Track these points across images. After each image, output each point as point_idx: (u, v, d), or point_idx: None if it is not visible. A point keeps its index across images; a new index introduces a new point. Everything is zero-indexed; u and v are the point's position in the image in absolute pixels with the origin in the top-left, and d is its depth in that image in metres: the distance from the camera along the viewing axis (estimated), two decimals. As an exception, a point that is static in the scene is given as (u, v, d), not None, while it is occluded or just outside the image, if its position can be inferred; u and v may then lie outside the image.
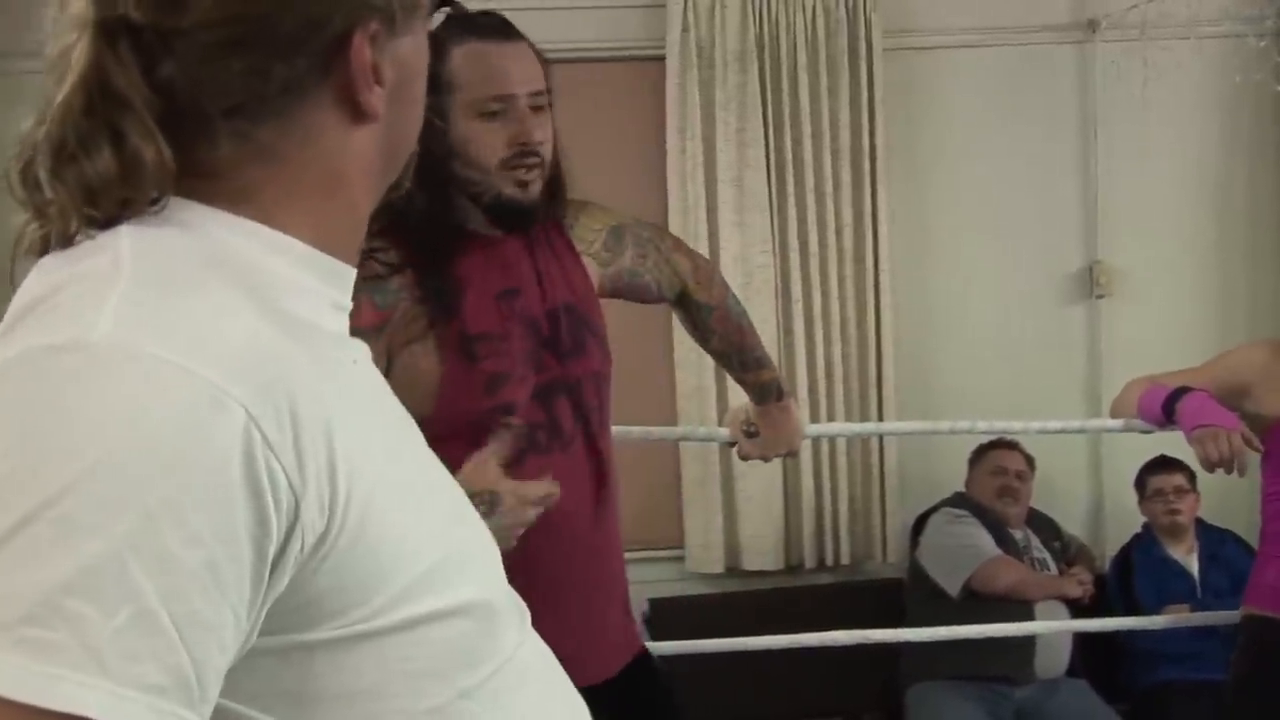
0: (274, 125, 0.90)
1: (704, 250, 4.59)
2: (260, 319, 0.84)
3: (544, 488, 1.83)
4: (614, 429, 3.32)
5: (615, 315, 4.56)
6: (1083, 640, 4.21)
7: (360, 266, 1.84)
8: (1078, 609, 4.21)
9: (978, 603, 4.07)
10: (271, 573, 0.80)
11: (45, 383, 0.77)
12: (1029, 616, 4.03)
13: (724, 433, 4.23)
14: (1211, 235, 4.89)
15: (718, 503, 4.65)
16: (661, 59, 4.57)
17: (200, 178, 0.89)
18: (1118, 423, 2.96)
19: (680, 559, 4.76)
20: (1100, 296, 4.84)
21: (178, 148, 0.87)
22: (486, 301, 2.00)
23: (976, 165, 4.72)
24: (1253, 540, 3.26)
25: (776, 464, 4.62)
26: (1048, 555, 4.39)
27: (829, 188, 4.61)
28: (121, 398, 0.77)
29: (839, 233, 4.63)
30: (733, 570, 4.70)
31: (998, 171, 4.71)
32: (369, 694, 0.87)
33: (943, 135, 4.72)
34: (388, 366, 1.89)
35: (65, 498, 0.74)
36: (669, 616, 4.52)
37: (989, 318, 4.79)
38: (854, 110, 4.60)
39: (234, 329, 0.82)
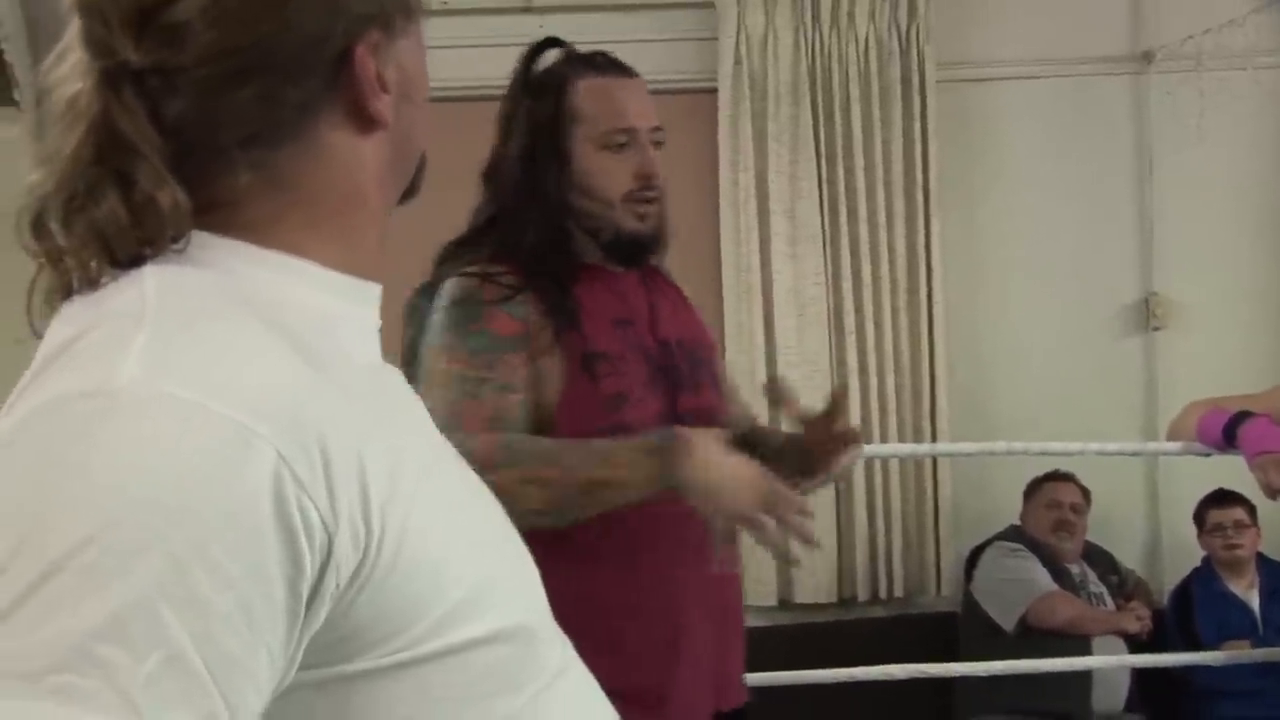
0: (291, 149, 0.90)
1: (757, 281, 4.60)
2: (288, 355, 0.84)
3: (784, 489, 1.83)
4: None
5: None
6: (1141, 676, 4.16)
7: (485, 288, 1.91)
8: (1136, 644, 4.16)
9: (1034, 638, 4.04)
10: (308, 609, 0.80)
11: (72, 429, 0.77)
12: (1086, 651, 3.99)
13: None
14: (1268, 267, 4.84)
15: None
16: (714, 91, 4.59)
17: (220, 210, 0.89)
18: (1175, 445, 2.94)
19: (734, 591, 4.74)
20: (1157, 329, 4.80)
21: (196, 184, 0.87)
22: (604, 325, 2.00)
23: (1030, 196, 4.70)
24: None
25: (827, 496, 4.61)
26: (1104, 590, 4.35)
27: (882, 219, 4.60)
28: (148, 442, 0.76)
29: (892, 264, 4.62)
30: (785, 603, 4.68)
31: (1052, 203, 4.69)
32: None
33: (996, 167, 4.71)
34: (529, 377, 1.93)
35: (91, 545, 0.73)
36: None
37: (1043, 350, 4.76)
38: (907, 142, 4.60)
39: (261, 368, 0.82)
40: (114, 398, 0.78)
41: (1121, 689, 4.08)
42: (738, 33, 4.58)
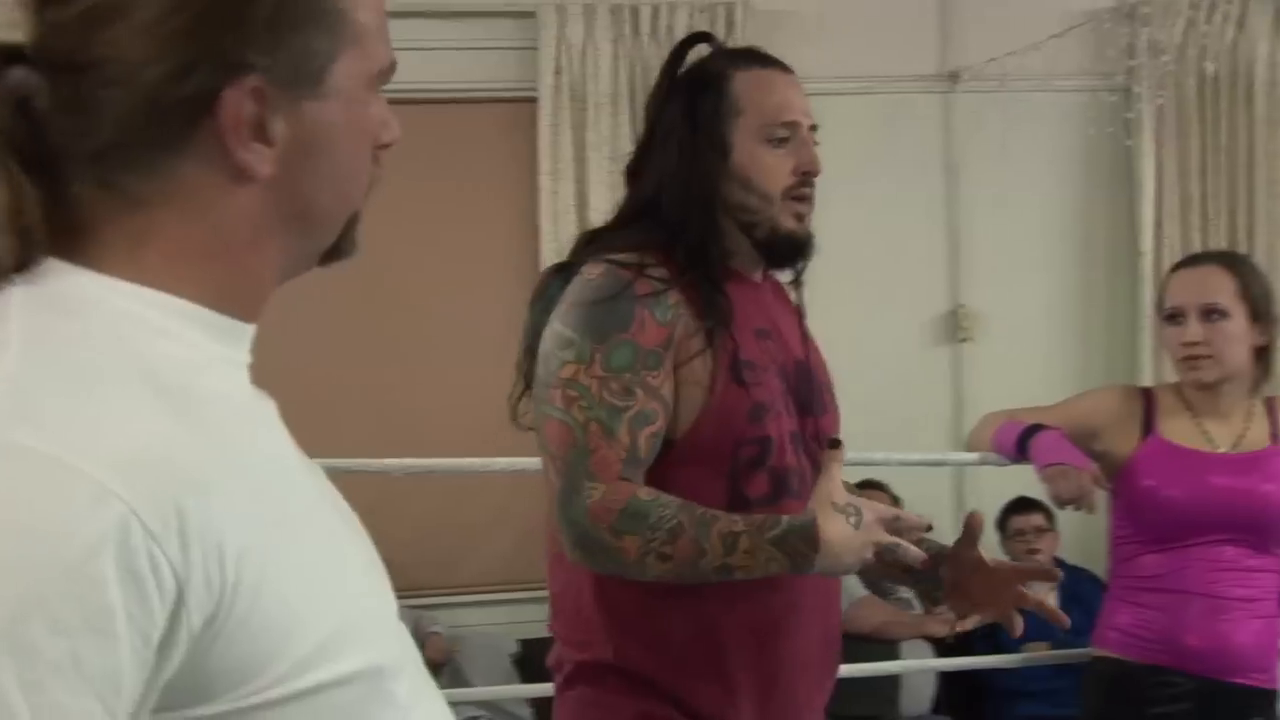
0: (140, 175, 0.89)
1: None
2: (151, 407, 0.83)
3: (896, 512, 1.77)
4: (467, 460, 3.31)
5: (473, 343, 4.53)
6: (946, 678, 4.28)
7: (637, 282, 1.79)
8: (943, 647, 4.27)
9: (844, 642, 4.11)
10: (160, 655, 0.80)
11: None
12: (894, 655, 4.08)
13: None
14: (1068, 281, 5.04)
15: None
16: (534, 100, 4.60)
17: (83, 236, 0.88)
18: (974, 455, 3.02)
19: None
20: (964, 340, 4.95)
21: (54, 193, 0.86)
22: (749, 332, 1.91)
23: (844, 210, 4.78)
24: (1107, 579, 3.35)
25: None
26: (913, 595, 4.46)
27: (699, 230, 4.65)
28: None
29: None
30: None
31: (865, 216, 4.80)
32: None
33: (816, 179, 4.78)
34: (670, 389, 1.82)
35: None
36: (540, 657, 4.47)
37: (856, 361, 4.82)
38: (724, 154, 4.65)
39: (123, 423, 0.81)
40: None
41: (928, 692, 4.19)
42: (558, 43, 4.59)
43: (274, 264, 0.96)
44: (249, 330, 0.96)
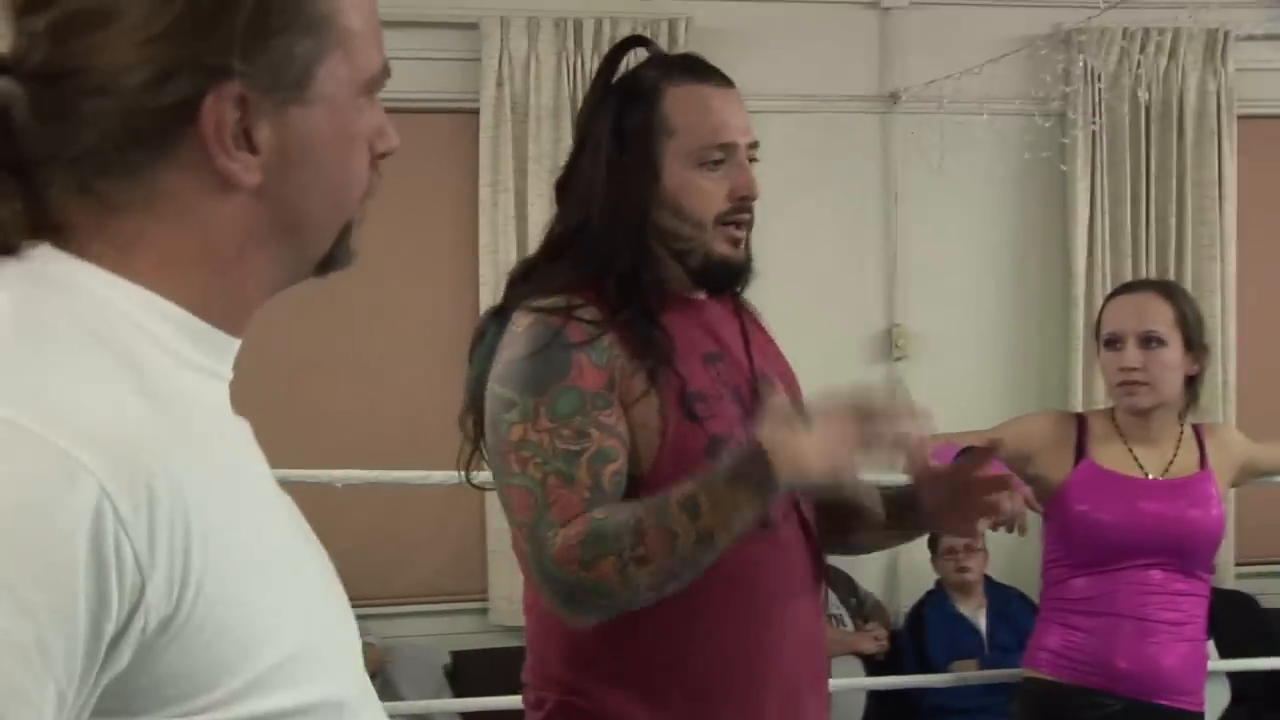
0: (119, 182, 0.87)
1: (514, 303, 4.60)
2: (129, 391, 0.82)
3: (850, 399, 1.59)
4: (407, 473, 3.28)
5: (412, 355, 4.50)
6: (876, 696, 4.30)
7: (568, 328, 1.70)
8: (872, 664, 4.30)
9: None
10: (109, 651, 0.78)
11: None
12: (825, 671, 4.10)
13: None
14: (1002, 303, 5.10)
15: (522, 556, 4.63)
16: (476, 112, 4.59)
17: (74, 232, 0.87)
18: (909, 479, 3.03)
19: (484, 611, 4.73)
20: (899, 358, 4.99)
21: (35, 197, 0.86)
22: (696, 361, 1.79)
23: (782, 228, 4.82)
24: (1037, 598, 3.38)
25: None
26: (844, 611, 4.48)
27: (639, 245, 4.66)
28: None
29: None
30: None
31: (803, 235, 4.83)
32: None
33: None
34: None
35: None
36: (472, 670, 4.48)
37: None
38: (665, 170, 4.67)
39: (99, 400, 0.80)
40: None
41: (858, 709, 4.21)
42: (501, 54, 4.59)
43: (263, 275, 0.95)
44: (234, 344, 0.94)
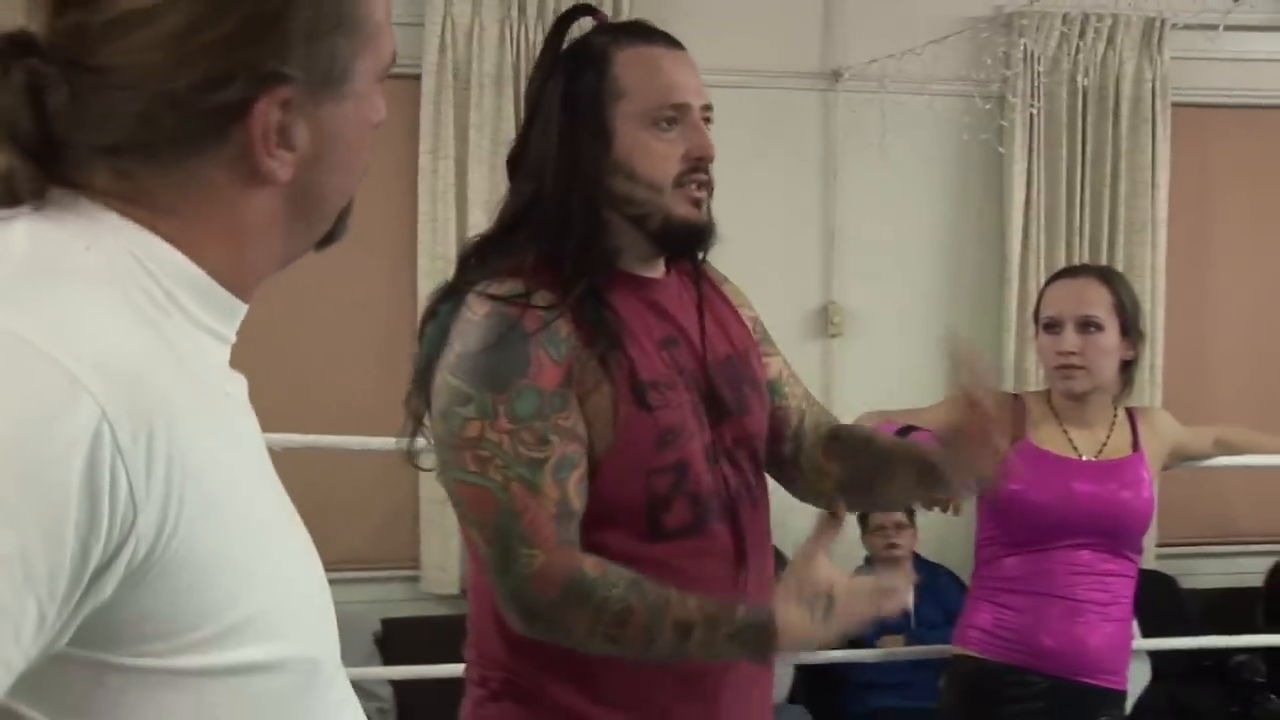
0: (158, 171, 0.89)
1: (452, 270, 4.58)
2: (139, 327, 0.84)
3: (871, 583, 1.61)
4: (347, 439, 3.26)
5: (350, 322, 4.45)
6: (803, 669, 4.34)
7: (525, 318, 1.66)
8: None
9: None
10: (94, 578, 0.78)
11: None
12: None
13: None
14: (938, 283, 5.14)
15: (454, 523, 4.61)
16: (418, 78, 4.55)
17: (104, 193, 0.89)
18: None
19: (415, 579, 4.72)
20: (834, 336, 5.02)
21: (62, 170, 0.87)
22: (649, 346, 1.76)
23: (721, 203, 4.82)
24: (964, 576, 3.42)
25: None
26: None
27: (579, 215, 4.65)
28: None
29: (586, 261, 4.67)
30: (468, 591, 4.67)
31: (743, 210, 4.82)
32: None
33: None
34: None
35: None
36: (403, 638, 4.48)
37: (728, 351, 4.90)
38: (606, 141, 4.66)
39: (109, 330, 0.81)
40: None
41: (785, 681, 4.25)
42: (444, 20, 4.56)
43: (276, 253, 0.98)
44: (241, 309, 0.96)
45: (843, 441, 2.01)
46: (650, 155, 1.75)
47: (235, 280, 0.94)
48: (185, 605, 0.83)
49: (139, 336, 0.83)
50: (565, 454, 1.67)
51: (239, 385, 0.97)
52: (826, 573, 1.59)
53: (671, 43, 1.81)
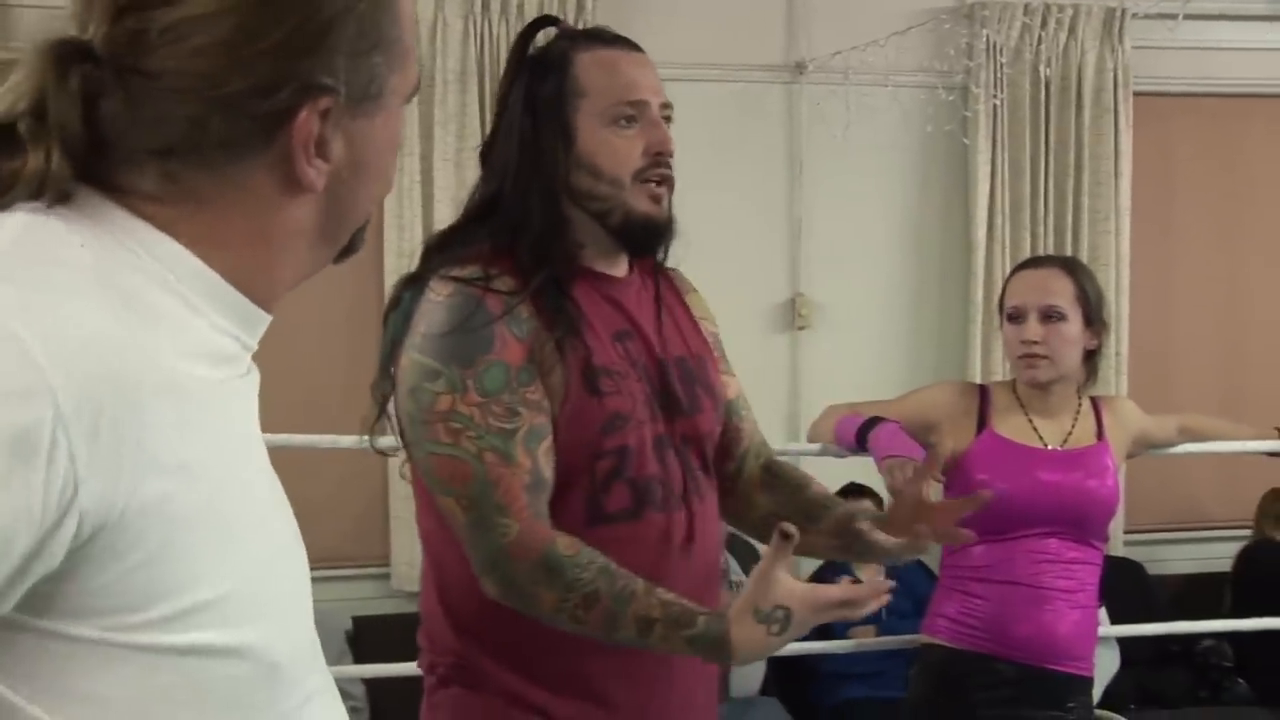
0: (207, 175, 0.92)
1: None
2: (120, 312, 0.86)
3: (840, 592, 1.66)
4: (315, 437, 3.25)
5: (316, 320, 4.42)
6: (775, 661, 4.35)
7: (487, 299, 1.72)
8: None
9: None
10: (41, 543, 0.80)
11: None
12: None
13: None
14: (903, 274, 5.16)
15: (424, 522, 4.61)
16: (381, 74, 4.53)
17: (128, 196, 0.91)
18: (815, 447, 3.07)
19: (386, 576, 4.71)
20: (801, 328, 5.03)
21: (104, 172, 0.90)
22: (605, 338, 1.82)
23: (686, 196, 4.82)
24: (933, 565, 3.44)
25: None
26: (744, 579, 4.52)
27: (545, 211, 4.65)
28: None
29: (553, 256, 4.67)
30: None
31: (708, 204, 4.81)
32: (127, 707, 0.87)
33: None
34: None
35: None
36: (373, 635, 4.46)
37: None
38: (572, 136, 4.66)
39: (78, 309, 0.83)
40: None
41: (757, 674, 4.26)
42: (406, 16, 4.54)
43: (301, 264, 1.01)
44: (264, 319, 0.99)
45: (778, 480, 2.09)
46: (611, 151, 1.82)
47: (258, 286, 0.97)
48: (135, 584, 0.85)
49: (112, 322, 0.85)
50: (533, 425, 1.73)
51: (251, 381, 1.00)
52: (784, 587, 1.63)
53: (630, 46, 1.88)
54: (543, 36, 1.93)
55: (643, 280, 1.94)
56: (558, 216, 1.81)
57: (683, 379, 1.90)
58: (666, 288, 1.99)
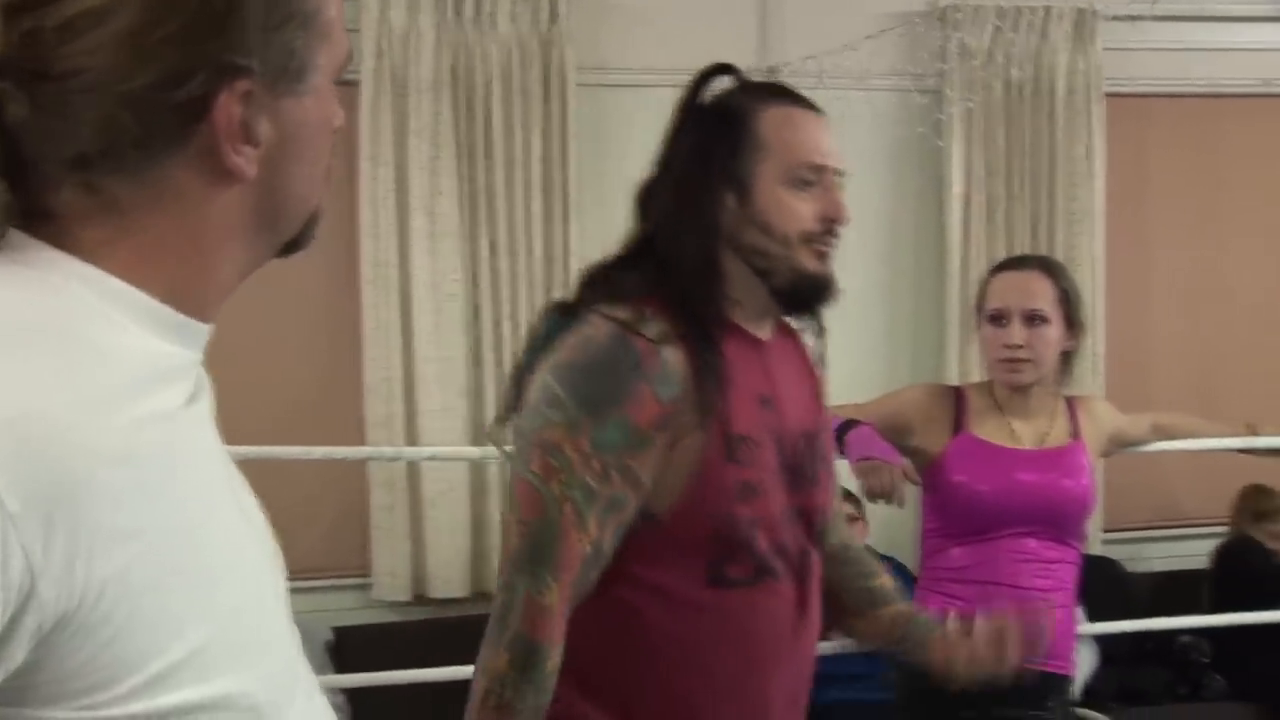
0: (128, 180, 0.88)
1: (395, 276, 4.57)
2: (63, 381, 0.81)
3: None
4: (290, 449, 3.25)
5: (293, 330, 4.44)
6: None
7: (641, 349, 1.68)
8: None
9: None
10: (2, 644, 0.77)
11: None
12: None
13: (411, 451, 4.11)
14: (878, 278, 5.16)
15: (405, 530, 4.61)
16: (355, 84, 4.53)
17: (53, 223, 0.87)
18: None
19: (367, 587, 4.70)
20: (778, 331, 5.03)
21: (23, 192, 0.86)
22: (748, 401, 1.78)
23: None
24: (913, 567, 3.45)
25: (463, 491, 4.61)
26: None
27: (520, 218, 4.65)
28: None
29: (530, 262, 4.68)
30: (420, 598, 4.67)
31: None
32: None
33: (633, 170, 4.76)
34: (657, 467, 1.71)
35: None
36: (355, 645, 4.46)
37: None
38: (546, 141, 4.67)
39: (23, 389, 0.79)
40: None
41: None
42: (380, 26, 4.54)
43: (239, 262, 0.97)
44: (205, 330, 0.96)
45: (849, 561, 2.16)
46: (787, 211, 1.80)
47: (195, 297, 0.93)
48: (107, 660, 0.81)
49: (52, 388, 0.81)
50: (618, 494, 1.69)
51: (204, 400, 0.97)
52: None
53: (813, 107, 1.87)
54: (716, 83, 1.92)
55: (783, 344, 1.93)
56: (715, 264, 1.79)
57: (809, 452, 1.89)
58: (803, 354, 1.98)
